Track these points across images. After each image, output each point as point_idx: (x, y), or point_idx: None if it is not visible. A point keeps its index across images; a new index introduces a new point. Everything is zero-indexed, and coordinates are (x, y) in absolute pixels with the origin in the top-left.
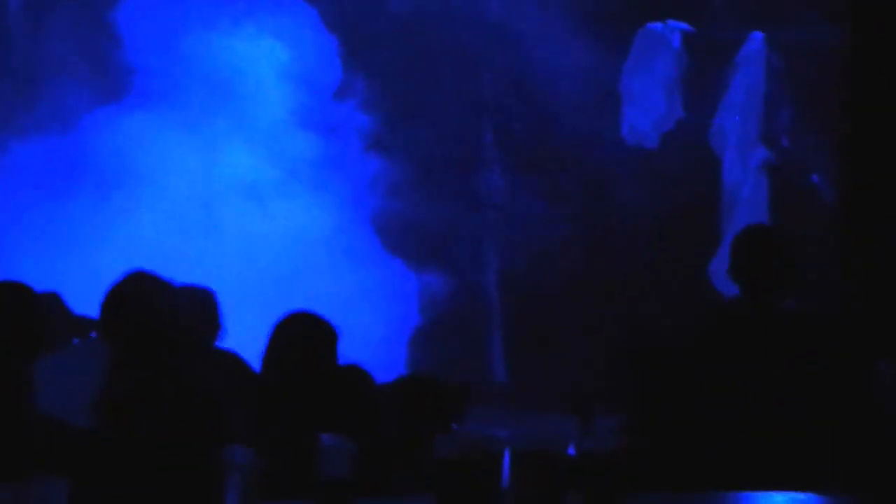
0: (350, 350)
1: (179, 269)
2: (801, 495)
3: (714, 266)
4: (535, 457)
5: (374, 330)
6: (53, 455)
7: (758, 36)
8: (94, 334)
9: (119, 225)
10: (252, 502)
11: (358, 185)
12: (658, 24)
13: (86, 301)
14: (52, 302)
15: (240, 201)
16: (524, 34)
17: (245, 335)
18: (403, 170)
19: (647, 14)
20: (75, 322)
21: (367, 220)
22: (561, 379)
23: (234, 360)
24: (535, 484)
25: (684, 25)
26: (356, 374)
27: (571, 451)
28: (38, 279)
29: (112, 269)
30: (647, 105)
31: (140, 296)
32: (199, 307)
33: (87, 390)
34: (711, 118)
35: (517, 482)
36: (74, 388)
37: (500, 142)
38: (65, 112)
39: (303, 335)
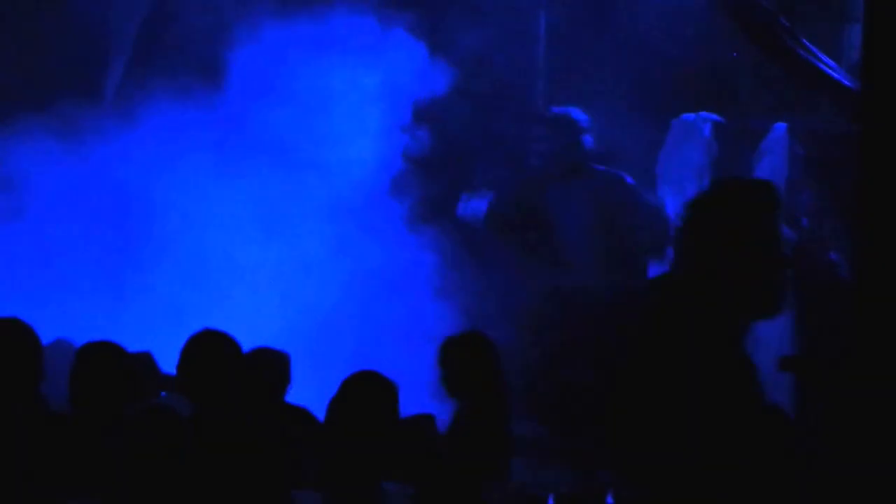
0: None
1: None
2: None
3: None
4: (577, 502)
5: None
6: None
7: (781, 126)
8: None
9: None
10: None
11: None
12: (691, 115)
13: None
14: (145, 360)
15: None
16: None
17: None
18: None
19: (684, 105)
20: (164, 379)
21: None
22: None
23: (302, 414)
24: None
25: (714, 116)
26: (418, 425)
27: (609, 499)
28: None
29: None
30: (680, 187)
31: (210, 355)
32: (271, 366)
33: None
34: None
35: None
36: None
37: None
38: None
39: (366, 393)
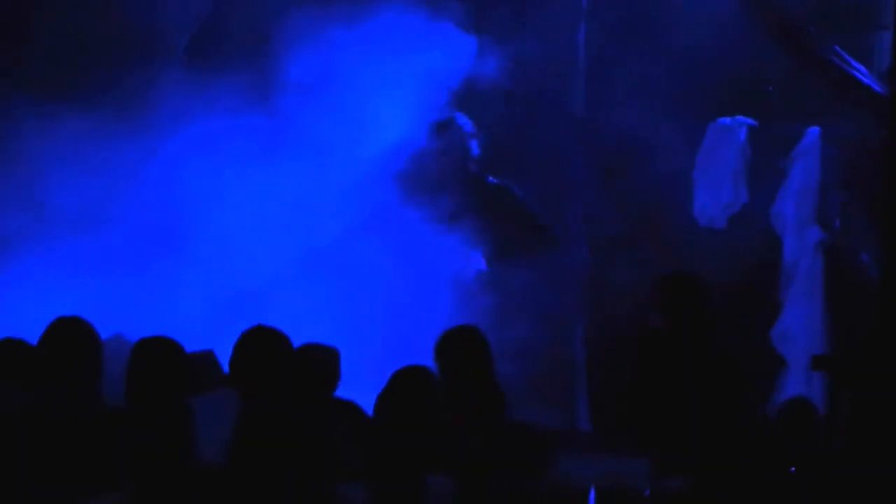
0: None
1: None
2: None
3: (774, 331)
4: (617, 496)
5: None
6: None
7: (814, 131)
8: None
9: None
10: None
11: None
12: (727, 119)
13: None
14: (207, 358)
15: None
16: (617, 126)
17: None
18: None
19: (720, 109)
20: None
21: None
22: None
23: (351, 408)
24: None
25: (750, 121)
26: (463, 420)
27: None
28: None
29: None
30: (716, 191)
31: (261, 351)
32: (321, 361)
33: (222, 433)
34: (773, 203)
35: None
36: (209, 431)
37: (588, 217)
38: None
39: (413, 387)
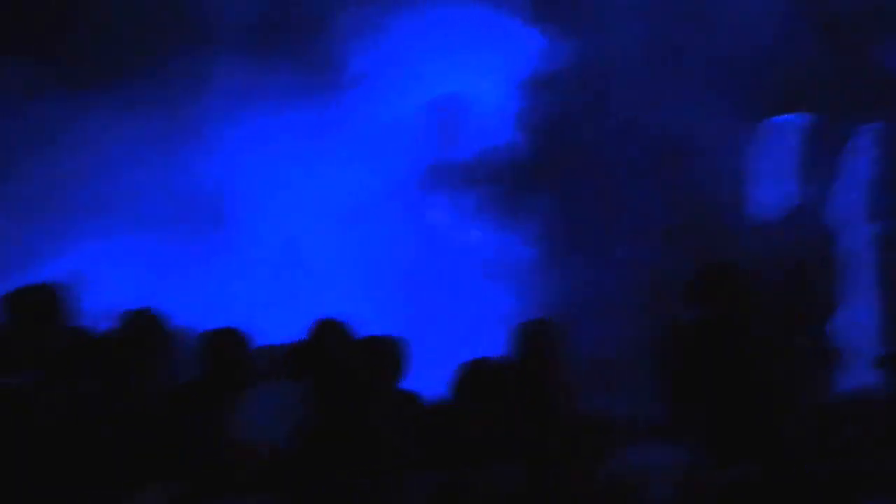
0: None
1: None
2: None
3: (831, 325)
4: (678, 485)
5: None
6: (255, 476)
7: (869, 127)
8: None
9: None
10: None
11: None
12: (783, 116)
13: None
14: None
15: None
16: (671, 121)
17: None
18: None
19: (774, 105)
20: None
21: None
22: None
23: (413, 399)
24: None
25: (805, 117)
26: (528, 410)
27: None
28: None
29: None
30: (773, 186)
31: (327, 342)
32: (387, 352)
33: (286, 420)
34: (829, 198)
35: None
36: (276, 419)
37: (642, 211)
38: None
39: (481, 378)
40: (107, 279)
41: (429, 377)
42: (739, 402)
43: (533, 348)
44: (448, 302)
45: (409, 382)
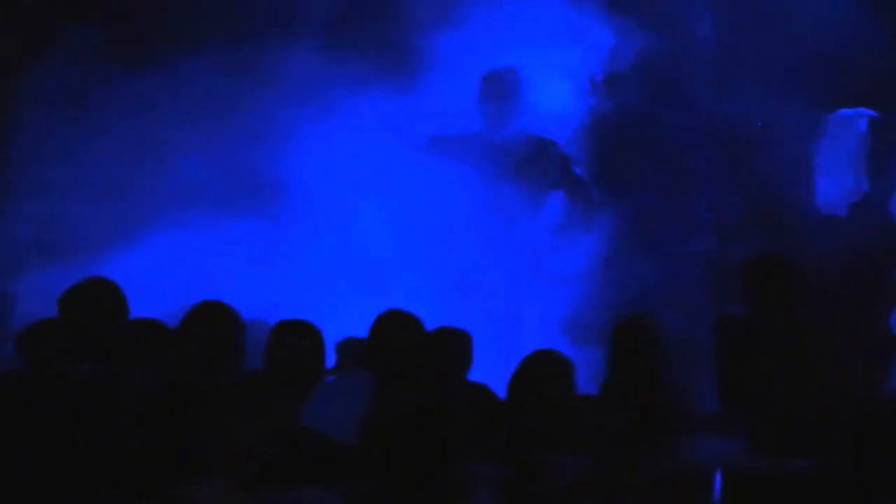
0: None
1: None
2: None
3: (894, 317)
4: (742, 476)
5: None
6: (324, 466)
7: None
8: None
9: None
10: None
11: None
12: (848, 110)
13: None
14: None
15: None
16: (741, 116)
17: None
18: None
19: (841, 99)
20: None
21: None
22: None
23: (482, 390)
24: (744, 500)
25: (871, 112)
26: (589, 403)
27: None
28: None
29: None
30: (837, 180)
31: (395, 333)
32: (454, 346)
33: (354, 413)
34: (894, 192)
35: (727, 498)
36: (345, 411)
37: (712, 206)
38: None
39: (543, 371)
40: (175, 270)
41: (491, 371)
42: (787, 394)
43: (634, 343)
44: (510, 297)
45: (475, 375)
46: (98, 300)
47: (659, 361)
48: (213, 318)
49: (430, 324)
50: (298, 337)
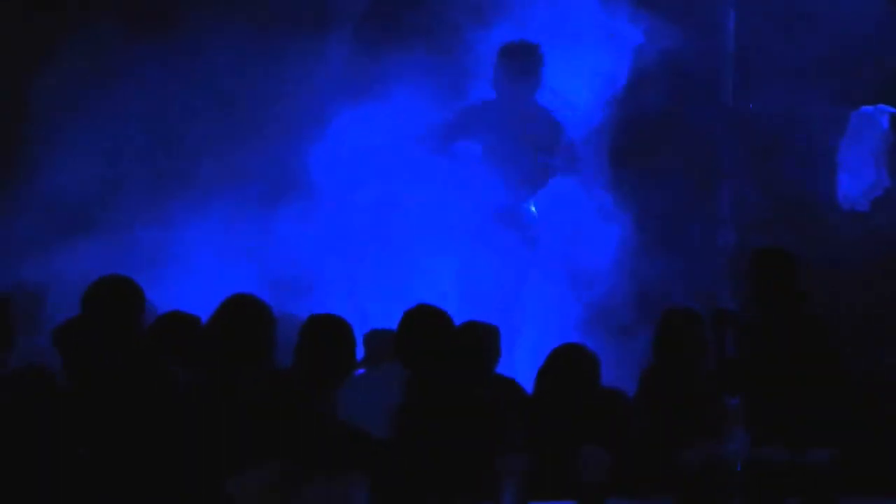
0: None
1: None
2: None
3: None
4: (762, 467)
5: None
6: (357, 456)
7: None
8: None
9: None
10: (523, 502)
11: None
12: (870, 107)
13: None
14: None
15: None
16: (765, 112)
17: None
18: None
19: (865, 96)
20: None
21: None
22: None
23: (511, 384)
24: (762, 488)
25: (892, 109)
26: (616, 396)
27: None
28: None
29: None
30: (859, 175)
31: (425, 327)
32: (482, 338)
33: (386, 405)
34: None
35: (747, 487)
36: (376, 403)
37: (735, 200)
38: None
39: (570, 364)
40: (207, 263)
41: (521, 365)
42: (795, 388)
43: (679, 336)
44: (539, 292)
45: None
46: (117, 297)
47: (701, 350)
48: (242, 311)
49: (458, 317)
50: (330, 331)
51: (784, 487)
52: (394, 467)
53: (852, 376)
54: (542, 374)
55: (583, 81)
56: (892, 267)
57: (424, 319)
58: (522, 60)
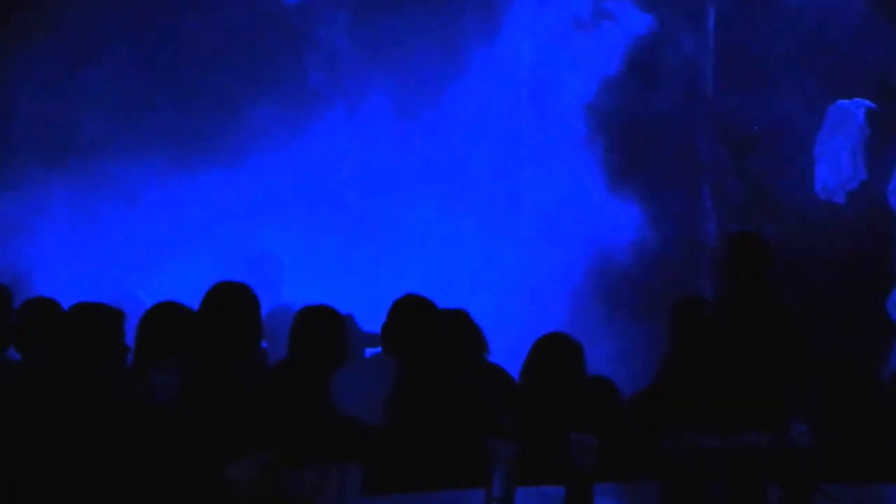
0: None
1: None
2: None
3: (891, 301)
4: (745, 454)
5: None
6: (350, 445)
7: None
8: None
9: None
10: (512, 487)
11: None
12: (847, 101)
13: None
14: (349, 322)
15: None
16: (745, 106)
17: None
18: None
19: (842, 91)
20: (365, 338)
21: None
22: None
23: (499, 371)
24: (744, 476)
25: (868, 103)
26: (602, 384)
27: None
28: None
29: None
30: (836, 167)
31: (414, 319)
32: (469, 326)
33: (378, 394)
34: (889, 180)
35: (730, 474)
36: (369, 392)
37: (716, 193)
38: None
39: (555, 352)
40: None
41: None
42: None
43: (691, 329)
44: (543, 290)
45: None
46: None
47: (713, 341)
48: (230, 298)
49: (457, 302)
50: (322, 321)
51: (765, 473)
52: (386, 455)
53: (821, 362)
54: (528, 363)
55: (566, 73)
56: (867, 256)
57: (412, 308)
58: None
